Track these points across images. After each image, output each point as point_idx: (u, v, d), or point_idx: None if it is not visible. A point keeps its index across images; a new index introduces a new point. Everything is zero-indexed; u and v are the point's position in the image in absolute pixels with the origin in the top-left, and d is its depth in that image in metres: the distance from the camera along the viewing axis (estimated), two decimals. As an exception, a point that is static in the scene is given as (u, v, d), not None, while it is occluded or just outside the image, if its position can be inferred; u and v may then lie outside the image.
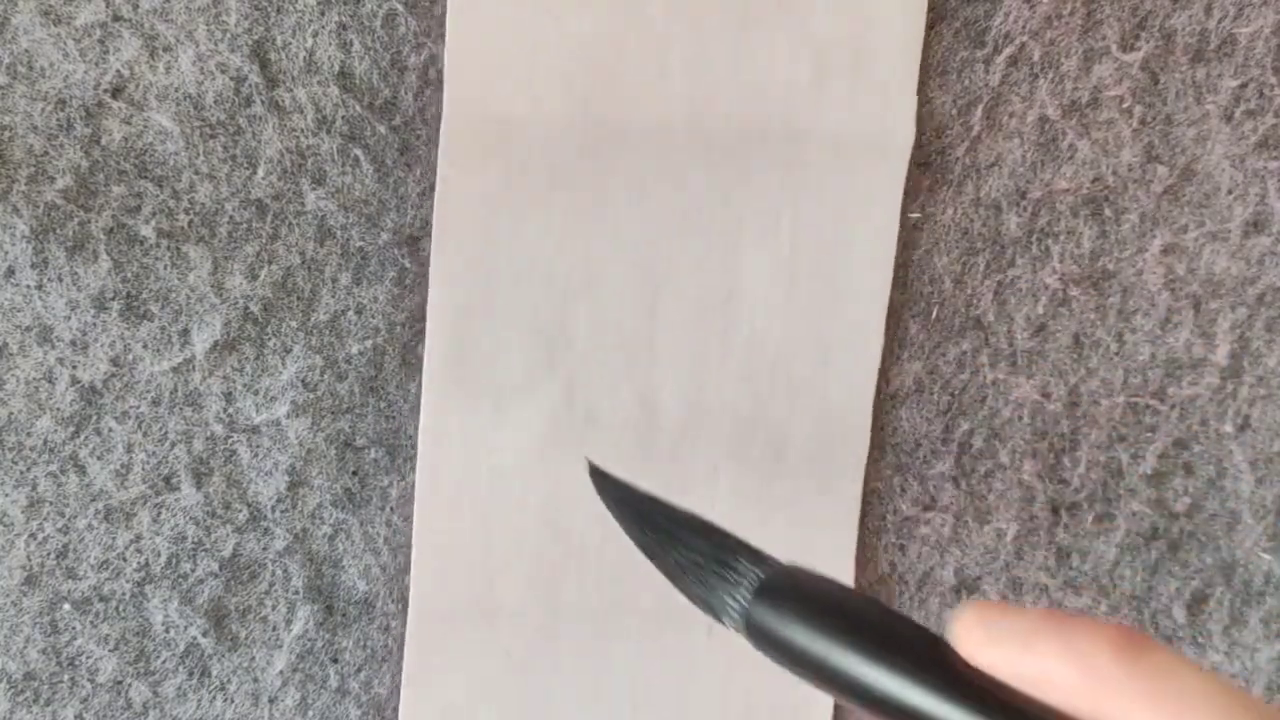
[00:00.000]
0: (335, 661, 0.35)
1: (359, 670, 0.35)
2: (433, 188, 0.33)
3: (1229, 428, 0.38)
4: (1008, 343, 0.37)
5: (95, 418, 0.32)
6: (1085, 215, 0.37)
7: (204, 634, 0.33)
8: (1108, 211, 0.37)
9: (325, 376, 0.33)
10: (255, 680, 0.34)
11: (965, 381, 0.37)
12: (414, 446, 0.34)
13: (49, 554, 0.32)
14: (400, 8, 0.32)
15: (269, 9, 0.31)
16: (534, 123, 0.32)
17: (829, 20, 0.33)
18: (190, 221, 0.32)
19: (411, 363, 0.34)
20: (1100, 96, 0.36)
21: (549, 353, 0.33)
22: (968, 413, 0.37)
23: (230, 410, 0.33)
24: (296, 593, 0.34)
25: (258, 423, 0.33)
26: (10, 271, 0.31)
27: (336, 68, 0.32)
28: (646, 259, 0.34)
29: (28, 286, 0.31)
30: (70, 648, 0.33)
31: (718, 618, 0.23)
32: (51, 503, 0.32)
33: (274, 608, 0.34)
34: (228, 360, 0.33)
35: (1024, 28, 0.35)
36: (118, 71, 0.31)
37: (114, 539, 0.33)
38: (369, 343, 0.33)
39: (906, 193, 0.35)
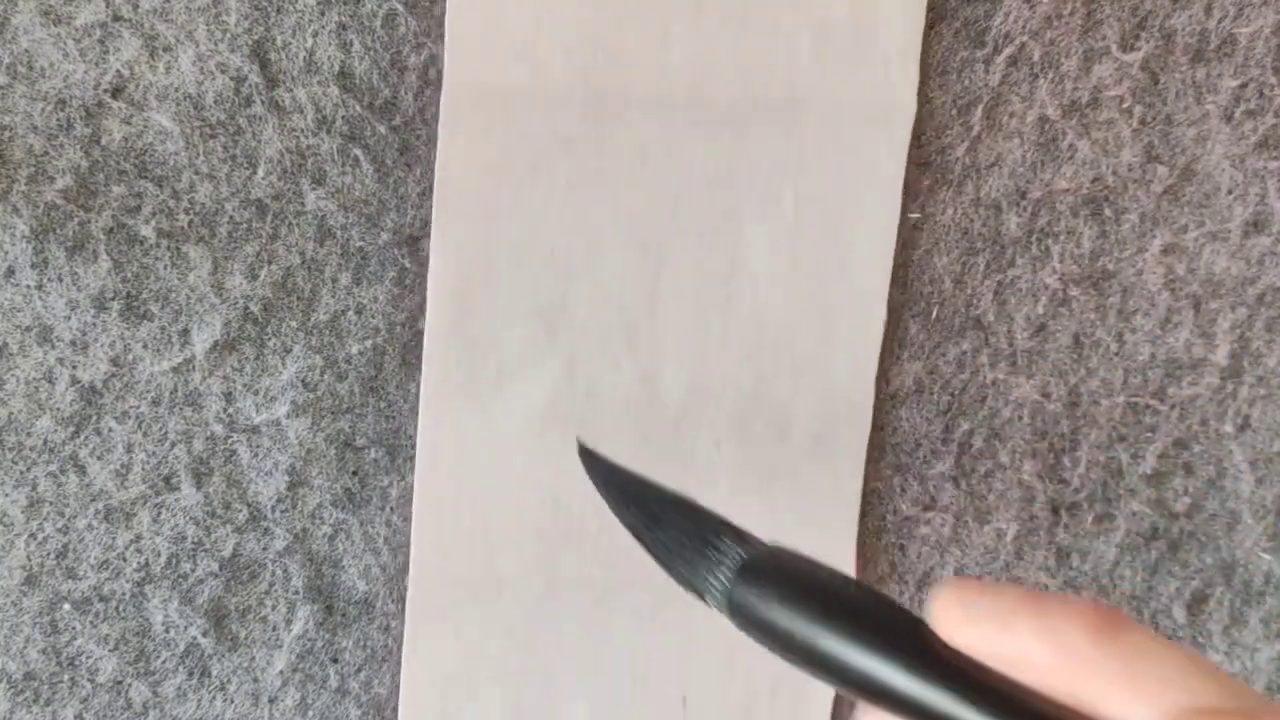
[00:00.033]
0: (335, 661, 0.35)
1: (359, 670, 0.35)
2: (433, 188, 0.33)
3: (1229, 428, 0.38)
4: (1008, 343, 0.37)
5: (95, 418, 0.32)
6: (1085, 215, 0.37)
7: (204, 634, 0.33)
8: (1108, 211, 0.37)
9: (325, 376, 0.33)
10: (255, 680, 0.34)
11: (965, 381, 0.37)
12: (414, 447, 0.34)
13: (49, 554, 0.32)
14: (400, 8, 0.32)
15: (269, 9, 0.31)
16: (534, 94, 0.32)
17: None
18: (190, 221, 0.32)
19: (411, 363, 0.34)
20: (1100, 96, 0.36)
21: (550, 327, 0.33)
22: (968, 413, 0.37)
23: (230, 410, 0.33)
24: (296, 593, 0.34)
25: (258, 423, 0.33)
26: (10, 271, 0.31)
27: (336, 68, 0.32)
28: (648, 232, 0.33)
29: (28, 286, 0.31)
30: (70, 648, 0.33)
31: (701, 597, 0.23)
32: (51, 503, 0.32)
33: (274, 608, 0.34)
34: (228, 360, 0.33)
35: (1024, 28, 0.35)
36: (118, 71, 0.31)
37: (114, 539, 0.33)
38: (369, 343, 0.33)
39: (906, 191, 0.35)
